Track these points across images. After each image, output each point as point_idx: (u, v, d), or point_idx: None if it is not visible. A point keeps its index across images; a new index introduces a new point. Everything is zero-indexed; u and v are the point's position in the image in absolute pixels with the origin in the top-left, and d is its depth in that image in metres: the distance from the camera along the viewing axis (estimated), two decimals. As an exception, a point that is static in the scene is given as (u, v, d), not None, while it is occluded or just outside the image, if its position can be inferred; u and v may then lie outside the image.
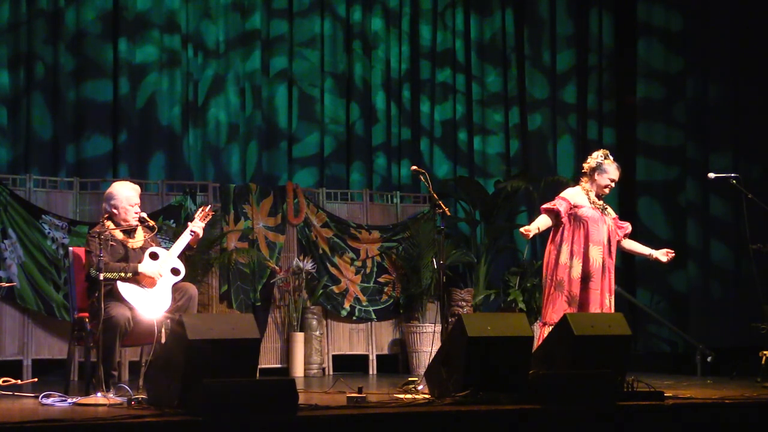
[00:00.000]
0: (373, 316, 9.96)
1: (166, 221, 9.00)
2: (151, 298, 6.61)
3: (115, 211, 6.80)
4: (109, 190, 6.91)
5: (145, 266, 6.66)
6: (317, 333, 9.49)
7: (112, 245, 6.65)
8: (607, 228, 7.33)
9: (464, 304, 9.87)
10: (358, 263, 9.97)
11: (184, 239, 6.90)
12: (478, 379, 5.85)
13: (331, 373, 9.62)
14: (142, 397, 5.74)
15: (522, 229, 7.22)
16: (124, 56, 9.68)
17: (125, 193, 6.83)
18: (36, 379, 8.14)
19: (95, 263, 6.37)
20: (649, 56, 10.91)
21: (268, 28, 10.39)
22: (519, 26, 11.33)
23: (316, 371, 9.42)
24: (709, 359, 9.31)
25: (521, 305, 9.81)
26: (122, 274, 6.58)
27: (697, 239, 10.42)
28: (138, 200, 6.87)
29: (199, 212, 7.13)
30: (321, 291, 9.69)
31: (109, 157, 9.63)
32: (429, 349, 8.63)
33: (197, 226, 6.95)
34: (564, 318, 6.31)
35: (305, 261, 9.53)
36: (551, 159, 11.20)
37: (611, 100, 11.27)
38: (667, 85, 10.85)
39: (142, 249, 6.81)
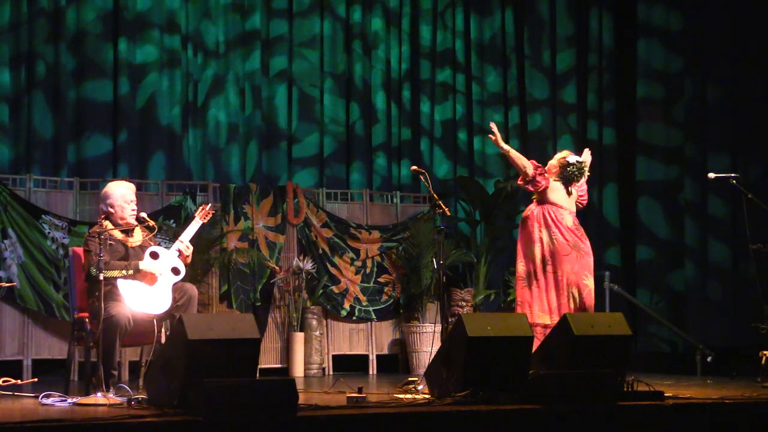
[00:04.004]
0: (373, 316, 9.96)
1: (166, 221, 9.01)
2: (151, 297, 6.60)
3: (111, 210, 6.79)
4: (104, 190, 6.91)
5: (147, 264, 6.65)
6: (317, 333, 9.49)
7: (111, 244, 6.65)
8: None
9: (464, 304, 9.87)
10: (358, 263, 9.97)
11: (176, 249, 6.87)
12: (478, 379, 5.86)
13: (331, 373, 9.62)
14: (142, 397, 5.74)
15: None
16: (124, 56, 9.68)
17: (120, 191, 6.82)
18: (36, 379, 8.14)
19: (95, 263, 6.37)
20: (649, 56, 10.91)
21: (268, 28, 10.39)
22: (519, 26, 11.33)
23: (316, 371, 9.42)
24: (709, 359, 9.31)
25: (517, 306, 9.79)
26: (124, 272, 6.57)
27: (696, 239, 10.42)
28: (134, 197, 6.85)
29: (199, 210, 7.13)
30: (321, 291, 9.69)
31: (109, 156, 9.63)
32: (429, 349, 8.64)
33: (183, 243, 6.86)
34: (564, 318, 6.33)
35: (305, 261, 9.54)
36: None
37: (611, 100, 11.27)
38: (667, 85, 10.85)
39: (142, 248, 6.81)
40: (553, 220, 7.49)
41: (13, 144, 9.33)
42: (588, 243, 7.55)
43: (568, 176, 7.55)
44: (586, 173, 7.66)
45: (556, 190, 7.56)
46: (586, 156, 7.89)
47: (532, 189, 7.65)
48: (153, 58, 9.83)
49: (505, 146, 7.63)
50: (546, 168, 7.68)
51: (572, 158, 7.61)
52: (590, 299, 7.43)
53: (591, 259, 7.52)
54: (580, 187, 7.70)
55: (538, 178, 7.55)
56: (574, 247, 7.43)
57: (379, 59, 10.81)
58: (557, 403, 5.68)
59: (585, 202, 7.83)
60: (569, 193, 7.60)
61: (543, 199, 7.57)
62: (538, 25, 11.30)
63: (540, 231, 7.51)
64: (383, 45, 10.83)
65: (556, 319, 7.27)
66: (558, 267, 7.42)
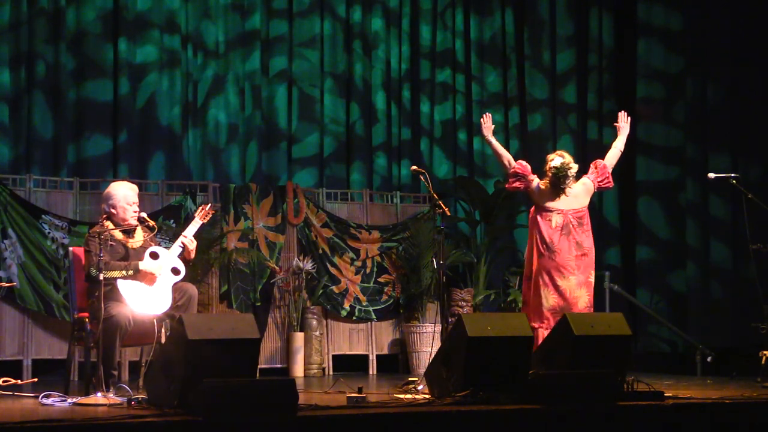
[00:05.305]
0: (373, 316, 9.96)
1: (166, 221, 9.01)
2: (151, 297, 6.60)
3: (113, 210, 6.80)
4: (107, 190, 6.91)
5: (146, 264, 6.66)
6: (317, 333, 9.49)
7: (111, 245, 6.65)
8: None
9: (464, 304, 9.87)
10: (358, 263, 9.97)
11: (178, 246, 6.87)
12: (478, 379, 5.85)
13: (331, 373, 9.62)
14: (142, 397, 5.74)
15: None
16: (124, 56, 9.68)
17: (123, 192, 6.83)
18: (36, 379, 8.14)
19: (95, 263, 6.37)
20: (649, 56, 10.91)
21: (268, 28, 10.39)
22: (519, 26, 11.33)
23: (316, 371, 9.42)
24: (709, 359, 9.31)
25: (521, 305, 9.81)
26: (124, 273, 6.57)
27: (696, 239, 10.43)
28: (136, 199, 6.87)
29: (198, 210, 7.13)
30: (321, 291, 9.69)
31: (109, 157, 9.63)
32: (429, 349, 8.63)
33: (187, 238, 6.86)
34: (564, 318, 6.32)
35: (305, 261, 9.54)
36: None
37: (611, 100, 11.27)
38: (667, 85, 10.85)
39: (142, 248, 6.81)
40: (538, 223, 7.50)
41: (13, 144, 9.33)
42: (573, 241, 7.45)
43: (553, 180, 7.53)
44: (571, 173, 7.56)
45: (544, 194, 7.53)
46: (622, 120, 7.84)
47: (509, 188, 7.72)
48: (153, 58, 9.83)
49: (490, 137, 7.62)
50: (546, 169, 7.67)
51: (555, 162, 7.55)
52: (566, 298, 7.36)
53: (570, 257, 7.42)
54: (601, 172, 7.67)
55: (511, 179, 7.60)
56: (547, 249, 7.42)
57: (379, 59, 10.81)
58: (557, 403, 5.68)
59: (609, 184, 7.75)
60: (561, 193, 7.53)
61: (535, 203, 7.58)
62: (538, 25, 11.30)
63: (531, 236, 7.55)
64: (383, 45, 10.83)
65: (540, 320, 7.30)
66: (539, 269, 7.43)
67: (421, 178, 7.33)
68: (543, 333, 7.08)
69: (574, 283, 7.38)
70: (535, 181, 7.56)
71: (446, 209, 7.26)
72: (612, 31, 11.40)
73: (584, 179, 7.63)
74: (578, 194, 7.58)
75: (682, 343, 10.24)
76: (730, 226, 10.24)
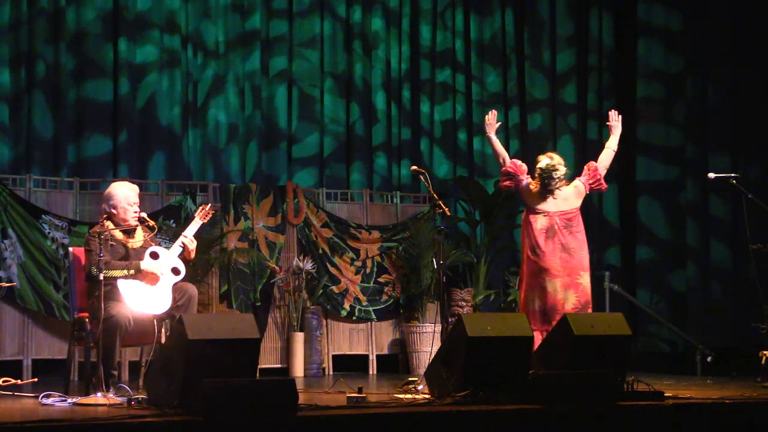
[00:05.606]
0: (373, 316, 9.96)
1: (166, 221, 9.01)
2: (151, 297, 6.60)
3: (114, 211, 6.80)
4: (108, 190, 6.92)
5: (147, 264, 6.66)
6: (317, 333, 9.49)
7: (112, 245, 6.66)
8: None
9: (464, 304, 9.87)
10: (358, 263, 9.98)
11: (179, 245, 6.87)
12: (478, 379, 5.86)
13: (331, 373, 9.62)
14: (142, 397, 5.74)
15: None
16: (124, 56, 9.68)
17: (123, 193, 6.84)
18: (36, 379, 8.15)
19: (96, 262, 6.37)
20: (649, 56, 10.91)
21: (267, 28, 10.39)
22: (519, 26, 11.33)
23: (316, 371, 9.42)
24: (709, 359, 9.31)
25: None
26: (125, 272, 6.57)
27: (696, 239, 10.42)
28: (137, 200, 6.88)
29: (198, 211, 7.13)
30: (321, 291, 9.69)
31: (109, 157, 9.63)
32: (429, 349, 8.64)
33: (188, 238, 6.87)
34: (564, 318, 6.33)
35: (305, 261, 9.54)
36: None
37: (611, 100, 11.27)
38: (667, 85, 10.86)
39: (143, 248, 6.81)
40: (527, 224, 7.49)
41: (13, 144, 9.33)
42: (558, 243, 7.40)
43: (541, 182, 7.51)
44: (557, 175, 7.50)
45: (533, 195, 7.51)
46: (613, 119, 7.77)
47: (501, 187, 7.73)
48: (153, 58, 9.83)
49: (491, 134, 7.63)
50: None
51: (542, 163, 7.55)
52: (551, 300, 7.33)
53: (555, 259, 7.37)
54: (592, 175, 7.63)
55: (503, 178, 7.62)
56: (533, 251, 7.41)
57: (379, 59, 10.81)
58: (557, 403, 5.68)
59: (602, 187, 7.70)
60: (549, 195, 7.50)
61: (525, 204, 7.58)
62: (538, 25, 11.30)
63: (522, 238, 7.56)
64: (383, 45, 10.83)
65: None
66: (528, 271, 7.44)
67: (421, 178, 7.33)
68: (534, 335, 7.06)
69: (559, 285, 7.36)
70: (525, 181, 7.54)
71: (446, 209, 7.25)
72: (612, 31, 11.39)
73: (576, 181, 7.61)
74: (568, 196, 7.54)
75: (682, 343, 10.24)
76: (730, 226, 10.24)
